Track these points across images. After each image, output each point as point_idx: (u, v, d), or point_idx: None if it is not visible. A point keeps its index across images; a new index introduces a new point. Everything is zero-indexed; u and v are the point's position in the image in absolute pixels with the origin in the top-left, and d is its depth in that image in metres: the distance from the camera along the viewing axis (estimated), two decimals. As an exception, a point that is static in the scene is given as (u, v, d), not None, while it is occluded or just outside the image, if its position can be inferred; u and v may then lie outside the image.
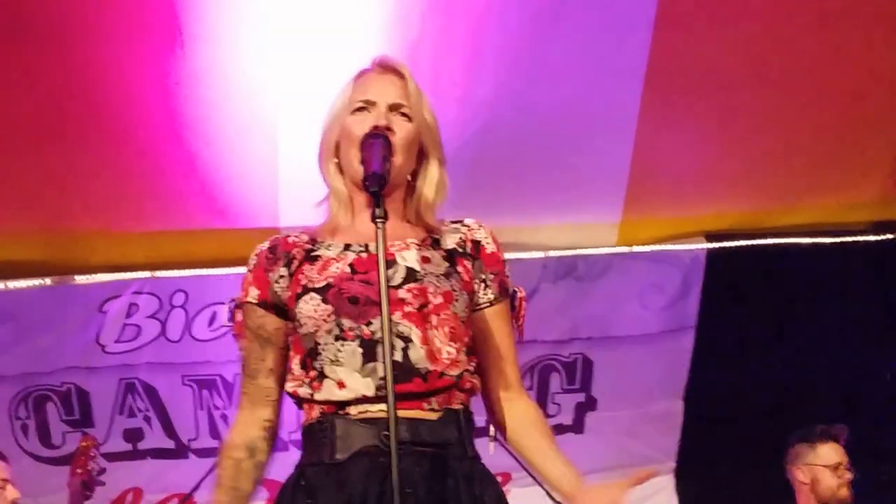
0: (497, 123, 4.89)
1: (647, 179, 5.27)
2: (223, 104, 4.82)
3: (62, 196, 4.94)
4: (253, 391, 2.68)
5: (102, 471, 4.94)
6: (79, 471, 4.73)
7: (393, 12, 4.59)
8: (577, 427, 6.02)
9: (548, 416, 5.94)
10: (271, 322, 2.67)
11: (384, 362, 2.34)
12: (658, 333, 5.86)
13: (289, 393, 2.65)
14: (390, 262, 2.55)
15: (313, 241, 2.72)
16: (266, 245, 2.74)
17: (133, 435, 5.56)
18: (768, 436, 5.93)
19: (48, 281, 5.19)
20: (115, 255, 5.19)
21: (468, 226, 2.77)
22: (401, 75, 2.74)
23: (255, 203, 4.99)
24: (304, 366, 2.59)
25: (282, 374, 2.68)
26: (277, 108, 4.84)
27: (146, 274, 5.28)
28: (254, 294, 2.68)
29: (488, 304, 2.71)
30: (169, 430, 5.60)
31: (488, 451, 5.31)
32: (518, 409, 2.76)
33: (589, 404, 6.00)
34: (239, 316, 2.72)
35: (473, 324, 2.69)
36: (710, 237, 5.71)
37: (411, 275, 2.59)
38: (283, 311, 2.66)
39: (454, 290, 2.61)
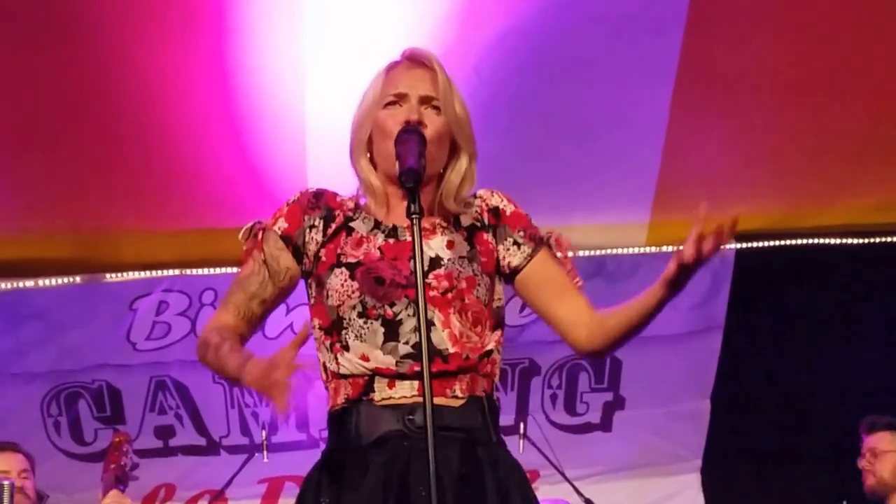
0: (527, 123, 4.89)
1: (677, 180, 5.26)
2: (251, 103, 4.82)
3: (92, 195, 4.96)
4: (242, 308, 2.65)
5: (136, 466, 4.93)
6: (112, 466, 4.72)
7: (421, 10, 4.59)
8: (606, 426, 6.04)
9: (576, 414, 5.96)
10: (285, 258, 2.65)
11: (422, 362, 2.34)
12: (686, 333, 5.85)
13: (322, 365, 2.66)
14: None
15: (356, 209, 2.72)
16: (313, 189, 2.74)
17: (164, 432, 5.61)
18: (796, 435, 5.93)
19: (78, 279, 5.22)
20: (144, 254, 5.21)
21: (481, 196, 2.78)
22: (431, 68, 2.73)
23: (284, 201, 4.99)
24: (329, 332, 2.60)
25: (270, 309, 2.69)
26: (304, 105, 4.85)
27: (176, 272, 5.31)
28: (281, 225, 2.66)
29: (528, 259, 2.71)
30: (200, 427, 5.64)
31: (518, 450, 5.37)
32: (595, 319, 2.74)
33: (617, 403, 6.02)
34: (260, 235, 2.66)
35: (523, 285, 2.71)
36: (740, 237, 5.68)
37: (436, 262, 2.59)
38: (300, 255, 2.66)
39: (476, 275, 2.62)
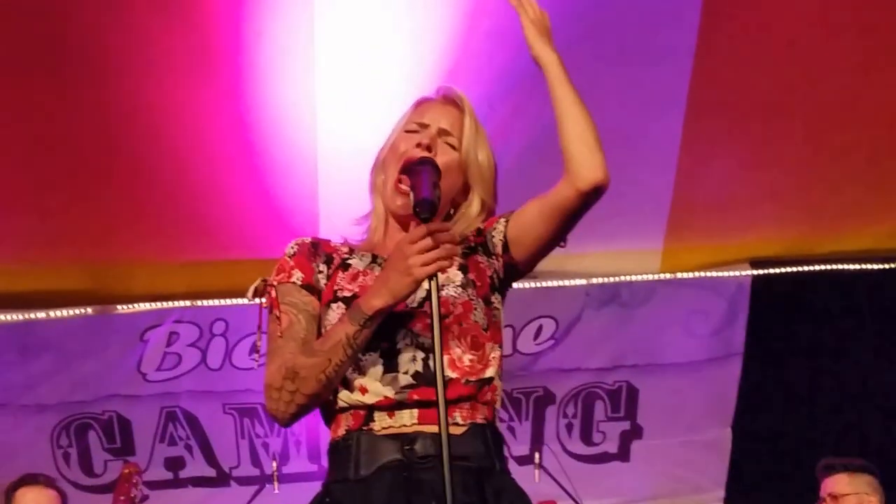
0: (539, 152, 4.85)
1: (691, 206, 5.24)
2: (264, 136, 4.82)
3: (103, 226, 4.95)
4: (295, 350, 2.57)
5: (145, 498, 4.94)
6: (122, 498, 4.71)
7: (431, 44, 4.58)
8: (623, 455, 5.99)
9: (592, 444, 5.92)
10: (315, 304, 2.63)
11: (437, 389, 2.31)
12: (704, 361, 5.82)
13: None
14: None
15: (350, 250, 2.74)
16: (308, 239, 2.75)
17: (174, 463, 5.57)
18: (817, 464, 5.87)
19: (89, 310, 5.20)
20: (155, 285, 5.20)
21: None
22: (461, 109, 2.77)
23: (296, 234, 4.95)
24: None
25: None
26: (317, 139, 4.84)
27: (186, 303, 5.29)
28: (298, 276, 2.65)
29: (505, 224, 2.69)
30: (210, 458, 5.61)
31: (534, 480, 5.34)
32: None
33: (635, 432, 5.97)
34: (273, 293, 2.64)
35: (516, 240, 2.67)
36: (756, 263, 5.66)
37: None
38: (319, 298, 2.65)
39: (472, 300, 2.61)
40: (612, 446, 5.97)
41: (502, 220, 2.71)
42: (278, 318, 2.60)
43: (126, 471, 4.87)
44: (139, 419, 5.48)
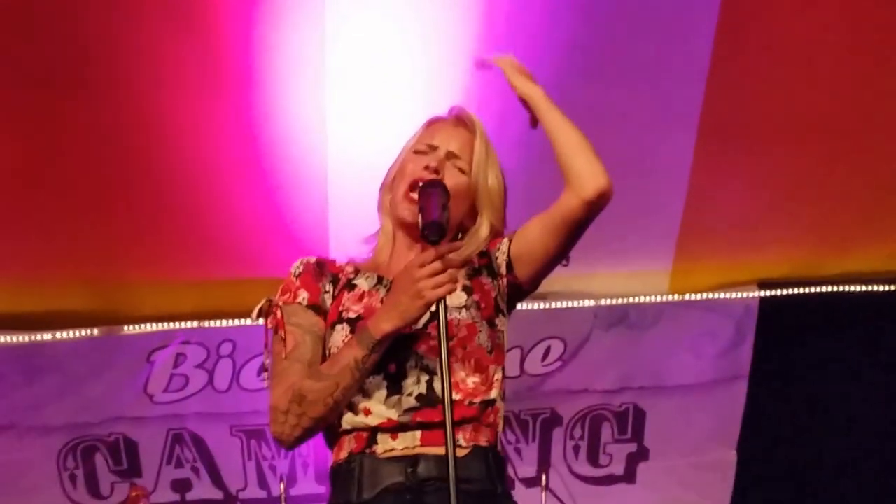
0: (548, 172, 4.85)
1: (701, 226, 5.24)
2: (274, 154, 4.82)
3: (110, 245, 4.95)
4: (301, 372, 2.57)
5: (153, 519, 4.95)
6: (130, 521, 4.72)
7: (441, 62, 4.58)
8: (629, 477, 5.97)
9: (599, 466, 5.90)
10: (321, 325, 2.64)
11: (444, 411, 2.30)
12: (710, 382, 5.81)
13: None
14: None
15: (356, 271, 2.73)
16: (313, 259, 2.76)
17: (181, 485, 5.55)
18: (824, 486, 5.86)
19: (96, 331, 5.18)
20: (162, 305, 5.18)
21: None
22: (472, 131, 2.76)
23: (305, 252, 4.95)
24: None
25: None
26: (327, 156, 4.84)
27: (193, 324, 5.27)
28: (304, 296, 2.65)
29: (509, 243, 2.69)
30: (217, 480, 5.59)
31: (541, 502, 5.33)
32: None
33: (641, 454, 5.95)
34: (279, 314, 2.64)
35: (520, 258, 2.66)
36: (763, 285, 5.65)
37: (435, 312, 2.53)
38: (325, 319, 2.66)
39: (476, 322, 2.61)
40: (618, 468, 5.95)
41: (505, 239, 2.71)
42: (283, 339, 2.60)
43: (133, 493, 4.87)
44: (146, 441, 5.45)
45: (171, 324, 5.24)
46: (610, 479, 5.95)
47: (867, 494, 5.84)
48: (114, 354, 5.25)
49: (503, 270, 2.69)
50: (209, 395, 5.39)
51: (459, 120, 2.80)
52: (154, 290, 5.15)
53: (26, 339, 5.12)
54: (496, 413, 2.61)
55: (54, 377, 5.23)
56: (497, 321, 2.67)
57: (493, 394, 2.60)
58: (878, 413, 5.82)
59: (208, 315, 5.25)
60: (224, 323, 5.27)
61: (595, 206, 2.58)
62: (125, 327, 5.22)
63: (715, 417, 5.89)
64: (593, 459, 5.93)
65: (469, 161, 2.72)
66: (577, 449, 5.90)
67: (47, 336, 5.13)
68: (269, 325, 2.64)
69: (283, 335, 2.61)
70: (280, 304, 2.65)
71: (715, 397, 5.84)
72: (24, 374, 5.21)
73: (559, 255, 2.66)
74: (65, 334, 5.14)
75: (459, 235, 2.75)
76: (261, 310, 2.67)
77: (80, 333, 5.16)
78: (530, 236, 2.65)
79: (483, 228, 2.74)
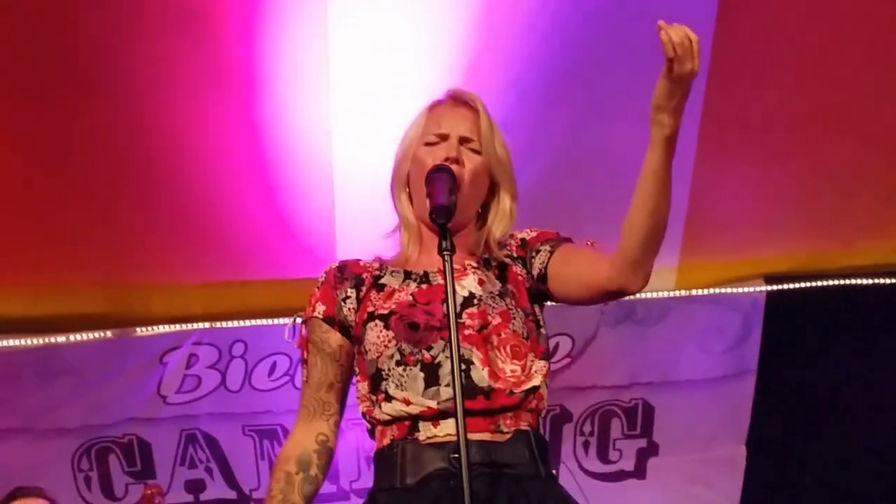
0: (552, 169, 4.88)
1: (705, 222, 5.23)
2: (280, 155, 4.85)
3: (121, 249, 4.97)
4: (312, 403, 2.70)
5: (168, 519, 4.96)
6: (145, 519, 4.73)
7: (446, 63, 4.61)
8: (639, 473, 5.98)
9: (609, 462, 5.91)
10: (335, 339, 2.70)
11: (454, 392, 2.35)
12: (719, 377, 5.82)
13: (362, 414, 2.69)
14: None
15: (382, 267, 2.77)
16: (335, 265, 2.80)
17: (195, 486, 5.56)
18: (833, 481, 5.87)
19: (109, 333, 5.20)
20: (174, 307, 5.21)
21: (512, 234, 2.82)
22: (474, 108, 2.80)
23: (313, 254, 5.00)
24: (373, 390, 2.63)
25: (341, 390, 2.73)
26: (332, 157, 4.86)
27: (205, 325, 5.29)
28: (320, 309, 2.71)
29: (549, 255, 2.71)
30: (230, 480, 5.60)
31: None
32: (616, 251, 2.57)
33: (651, 450, 5.96)
34: (304, 331, 2.74)
35: (553, 281, 2.68)
36: (770, 279, 5.66)
37: (469, 300, 2.62)
38: (346, 329, 2.71)
39: (510, 309, 2.64)
40: (628, 464, 5.97)
41: (548, 246, 2.74)
42: (305, 360, 2.71)
43: (148, 492, 4.88)
44: (159, 442, 5.47)
45: (184, 325, 5.26)
46: (620, 475, 5.96)
47: (877, 487, 5.85)
48: (127, 356, 5.28)
49: (535, 274, 2.73)
50: (222, 395, 5.41)
51: (459, 100, 2.83)
52: (165, 293, 5.17)
53: (40, 341, 5.13)
54: (539, 399, 2.64)
55: (68, 379, 5.25)
56: (532, 309, 2.72)
57: (536, 381, 2.62)
58: (886, 405, 5.82)
59: (218, 316, 5.28)
60: (236, 323, 5.29)
61: (612, 297, 2.60)
62: (138, 329, 5.24)
63: (724, 412, 5.90)
64: (603, 455, 5.94)
65: (479, 140, 2.76)
66: (586, 445, 5.90)
67: (61, 339, 5.15)
68: (297, 345, 2.74)
69: (304, 357, 2.71)
70: (305, 319, 2.73)
71: (723, 392, 5.85)
72: (38, 377, 5.22)
73: (581, 303, 2.74)
74: (78, 337, 5.16)
75: (479, 211, 2.78)
76: (290, 329, 2.77)
77: (93, 336, 5.18)
78: (569, 271, 2.67)
79: (505, 200, 2.78)
